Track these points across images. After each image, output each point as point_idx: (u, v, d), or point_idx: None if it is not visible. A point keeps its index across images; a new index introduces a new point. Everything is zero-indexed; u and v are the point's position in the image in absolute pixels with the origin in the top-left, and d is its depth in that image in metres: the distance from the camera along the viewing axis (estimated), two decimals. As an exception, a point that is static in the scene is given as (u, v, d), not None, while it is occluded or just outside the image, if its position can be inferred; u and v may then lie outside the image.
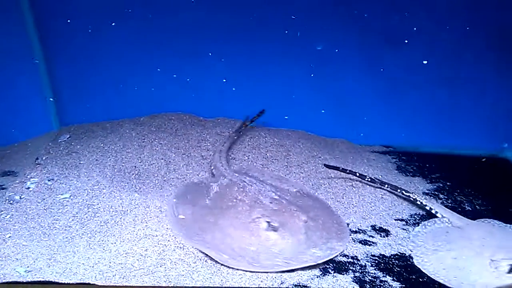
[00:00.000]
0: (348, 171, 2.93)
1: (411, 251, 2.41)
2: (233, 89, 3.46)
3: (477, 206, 2.83)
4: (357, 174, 2.92)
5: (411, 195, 2.76)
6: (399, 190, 2.82)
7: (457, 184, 3.06)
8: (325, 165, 3.04)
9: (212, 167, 2.97)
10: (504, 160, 3.42)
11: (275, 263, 2.25)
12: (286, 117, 3.52)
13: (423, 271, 2.27)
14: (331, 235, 2.47)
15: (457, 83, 3.31)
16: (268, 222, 2.38)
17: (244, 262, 2.24)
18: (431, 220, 2.62)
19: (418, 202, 2.73)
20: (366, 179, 2.90)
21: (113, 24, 3.21)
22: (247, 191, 2.64)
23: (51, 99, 3.31)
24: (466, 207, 2.83)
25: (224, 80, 3.39)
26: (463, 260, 2.28)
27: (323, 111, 3.50)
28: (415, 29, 3.15)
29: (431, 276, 2.23)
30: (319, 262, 2.26)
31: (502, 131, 3.41)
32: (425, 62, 3.22)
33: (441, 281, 2.19)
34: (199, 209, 2.56)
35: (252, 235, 2.37)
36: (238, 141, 3.30)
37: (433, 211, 2.65)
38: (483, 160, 3.38)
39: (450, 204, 2.85)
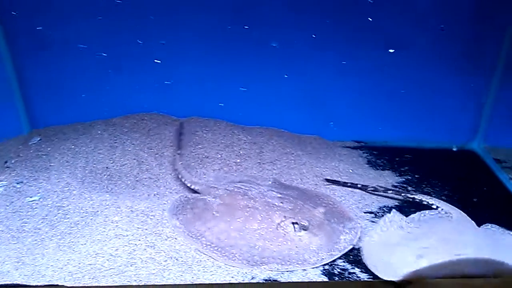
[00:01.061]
0: (349, 184, 2.95)
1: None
2: (206, 88, 3.47)
3: (443, 197, 2.90)
4: (359, 186, 2.93)
5: (415, 196, 2.79)
6: (403, 195, 2.84)
7: (425, 176, 3.14)
8: (326, 179, 3.03)
9: (190, 185, 2.85)
10: (470, 152, 3.53)
11: (321, 258, 2.31)
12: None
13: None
14: (340, 217, 2.59)
15: (425, 81, 3.38)
16: (295, 223, 2.41)
17: (294, 265, 2.27)
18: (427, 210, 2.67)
19: (425, 203, 2.73)
20: (369, 188, 2.91)
21: (84, 23, 3.17)
22: (252, 196, 2.62)
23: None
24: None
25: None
26: (403, 243, 2.35)
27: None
28: (385, 27, 3.20)
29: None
30: (354, 245, 2.41)
31: (467, 125, 3.53)
32: (391, 50, 3.26)
33: (364, 252, 2.34)
34: (215, 226, 2.48)
35: (286, 239, 2.38)
36: (211, 140, 3.31)
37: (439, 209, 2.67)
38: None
39: (418, 196, 2.93)
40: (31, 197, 2.64)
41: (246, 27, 3.19)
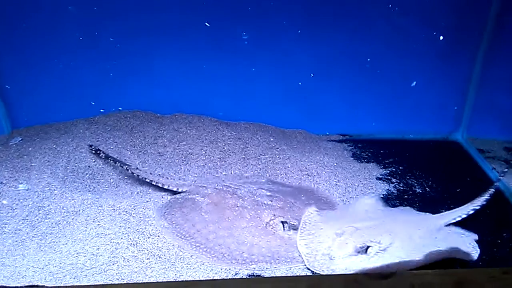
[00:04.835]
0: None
1: None
2: (190, 84, 3.45)
3: (427, 188, 2.92)
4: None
5: None
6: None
7: (409, 168, 3.15)
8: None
9: (177, 189, 2.78)
10: (454, 142, 3.55)
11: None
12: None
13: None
14: None
15: (409, 73, 3.39)
16: (284, 222, 2.41)
17: (280, 263, 2.25)
18: None
19: None
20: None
21: (63, 20, 3.13)
22: (241, 195, 2.60)
23: None
24: (417, 189, 2.92)
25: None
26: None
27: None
28: (367, 20, 3.20)
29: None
30: None
31: (451, 116, 3.55)
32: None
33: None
34: (203, 226, 2.45)
35: (274, 238, 2.37)
36: (195, 136, 3.29)
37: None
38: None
39: (402, 188, 2.93)
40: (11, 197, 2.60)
41: (228, 22, 3.17)
